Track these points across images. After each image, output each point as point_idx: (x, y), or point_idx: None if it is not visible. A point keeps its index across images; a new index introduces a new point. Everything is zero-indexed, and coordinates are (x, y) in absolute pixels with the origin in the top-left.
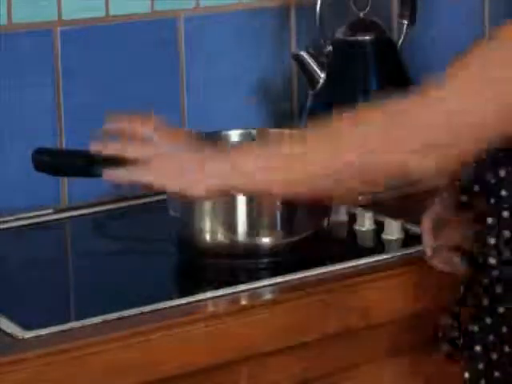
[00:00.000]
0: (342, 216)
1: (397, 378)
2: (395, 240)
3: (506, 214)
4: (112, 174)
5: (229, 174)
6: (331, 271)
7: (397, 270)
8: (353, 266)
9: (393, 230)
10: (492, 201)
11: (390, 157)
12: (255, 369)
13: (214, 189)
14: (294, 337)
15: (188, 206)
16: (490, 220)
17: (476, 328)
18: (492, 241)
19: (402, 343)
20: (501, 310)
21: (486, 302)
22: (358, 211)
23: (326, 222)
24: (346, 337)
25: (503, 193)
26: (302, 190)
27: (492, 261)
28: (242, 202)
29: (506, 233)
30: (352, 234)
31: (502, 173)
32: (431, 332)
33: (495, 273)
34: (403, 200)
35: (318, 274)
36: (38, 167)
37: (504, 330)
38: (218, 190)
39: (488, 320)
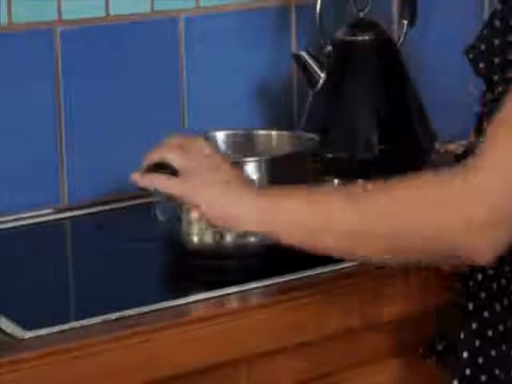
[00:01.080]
0: None
1: (397, 378)
2: None
3: None
4: (141, 179)
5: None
6: (331, 271)
7: (396, 270)
8: (352, 266)
9: None
10: None
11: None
12: (255, 369)
13: (252, 227)
14: (293, 337)
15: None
16: None
17: (462, 334)
18: None
19: (401, 343)
20: (486, 314)
21: (471, 307)
22: None
23: None
24: (346, 337)
25: None
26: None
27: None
28: None
29: None
30: None
31: None
32: (431, 332)
33: (479, 277)
34: None
35: (317, 274)
36: None
37: (489, 333)
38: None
39: (474, 325)
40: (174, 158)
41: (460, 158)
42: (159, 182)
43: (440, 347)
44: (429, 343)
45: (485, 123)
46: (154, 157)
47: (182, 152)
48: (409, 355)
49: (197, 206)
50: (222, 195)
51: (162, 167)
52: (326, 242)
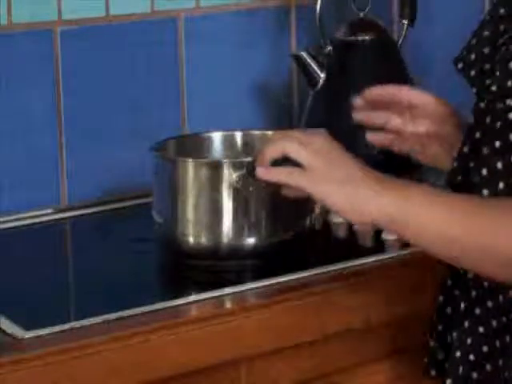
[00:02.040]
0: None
1: (396, 378)
2: (395, 240)
3: None
4: (268, 172)
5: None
6: (331, 271)
7: (396, 270)
8: (352, 266)
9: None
10: None
11: None
12: (255, 369)
13: (380, 218)
14: (293, 337)
15: (173, 208)
16: None
17: (455, 334)
18: None
19: (401, 343)
20: (477, 311)
21: (462, 305)
22: None
23: (308, 222)
24: (346, 337)
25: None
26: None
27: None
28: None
29: None
30: (352, 234)
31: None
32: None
33: (470, 276)
34: None
35: (318, 274)
36: None
37: (481, 330)
38: (381, 219)
39: (466, 324)
40: (297, 152)
41: (453, 176)
42: (287, 176)
43: (441, 357)
44: (429, 355)
45: (476, 133)
46: (276, 151)
47: (304, 146)
48: (408, 355)
49: (324, 200)
50: (352, 195)
51: (284, 161)
52: (456, 252)
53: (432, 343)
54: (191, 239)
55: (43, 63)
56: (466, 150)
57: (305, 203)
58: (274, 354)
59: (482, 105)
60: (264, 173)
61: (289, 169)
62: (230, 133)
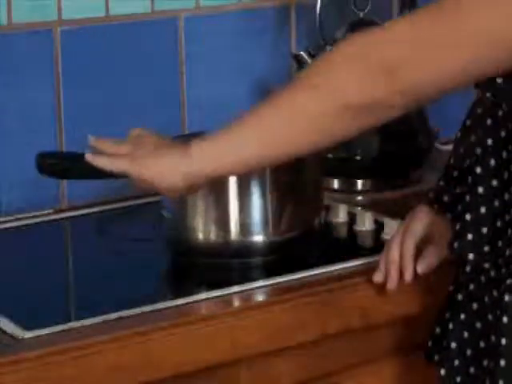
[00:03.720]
0: (341, 216)
1: (396, 378)
2: None
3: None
4: (95, 160)
5: (222, 153)
6: (331, 271)
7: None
8: (352, 266)
9: (392, 230)
10: (468, 198)
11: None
12: (255, 369)
13: (191, 175)
14: (293, 337)
15: (181, 205)
16: (468, 216)
17: (451, 325)
18: (469, 237)
19: (401, 343)
20: (474, 306)
21: (460, 297)
22: (358, 211)
23: (318, 221)
24: (345, 337)
25: (480, 189)
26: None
27: (470, 257)
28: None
29: (484, 229)
30: (352, 234)
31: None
32: (431, 332)
33: (468, 269)
34: (403, 200)
35: (317, 274)
36: (42, 170)
37: (478, 325)
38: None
39: (462, 316)
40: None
41: (438, 195)
42: (111, 162)
43: (445, 344)
44: (433, 342)
45: (472, 136)
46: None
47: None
48: (408, 355)
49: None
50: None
51: None
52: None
53: (437, 329)
54: (201, 235)
55: (43, 63)
56: (473, 139)
57: (315, 201)
58: (274, 354)
59: (481, 107)
60: (91, 158)
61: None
62: None
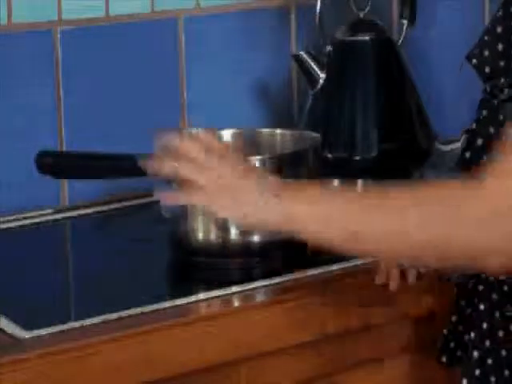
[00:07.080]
0: None
1: (397, 378)
2: None
3: None
4: (166, 196)
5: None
6: (330, 271)
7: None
8: (352, 266)
9: None
10: None
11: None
12: (255, 369)
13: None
14: (293, 337)
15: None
16: None
17: (472, 334)
18: None
19: (402, 343)
20: (497, 314)
21: (482, 307)
22: None
23: None
24: (346, 337)
25: None
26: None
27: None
28: None
29: None
30: None
31: None
32: (432, 333)
33: (491, 279)
34: None
35: (318, 274)
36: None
37: (500, 334)
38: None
39: (485, 325)
40: (188, 172)
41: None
42: (187, 198)
43: (452, 345)
44: (442, 341)
45: (490, 128)
46: (168, 170)
47: (195, 163)
48: (409, 355)
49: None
50: (245, 204)
51: None
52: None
53: (445, 331)
54: (201, 235)
55: (43, 63)
56: (479, 143)
57: None
58: (274, 354)
59: (495, 102)
60: (162, 198)
61: (182, 189)
62: (237, 131)
